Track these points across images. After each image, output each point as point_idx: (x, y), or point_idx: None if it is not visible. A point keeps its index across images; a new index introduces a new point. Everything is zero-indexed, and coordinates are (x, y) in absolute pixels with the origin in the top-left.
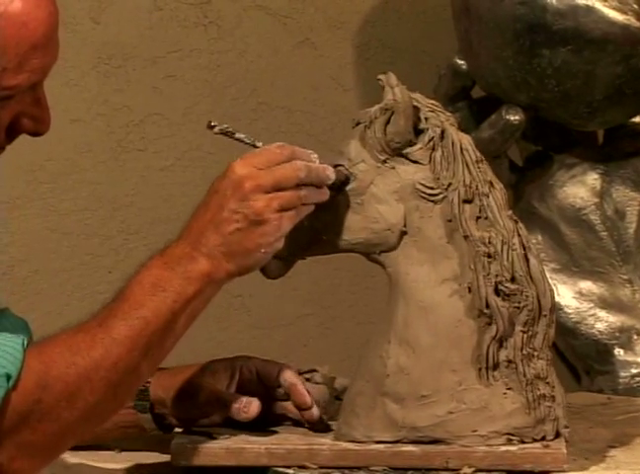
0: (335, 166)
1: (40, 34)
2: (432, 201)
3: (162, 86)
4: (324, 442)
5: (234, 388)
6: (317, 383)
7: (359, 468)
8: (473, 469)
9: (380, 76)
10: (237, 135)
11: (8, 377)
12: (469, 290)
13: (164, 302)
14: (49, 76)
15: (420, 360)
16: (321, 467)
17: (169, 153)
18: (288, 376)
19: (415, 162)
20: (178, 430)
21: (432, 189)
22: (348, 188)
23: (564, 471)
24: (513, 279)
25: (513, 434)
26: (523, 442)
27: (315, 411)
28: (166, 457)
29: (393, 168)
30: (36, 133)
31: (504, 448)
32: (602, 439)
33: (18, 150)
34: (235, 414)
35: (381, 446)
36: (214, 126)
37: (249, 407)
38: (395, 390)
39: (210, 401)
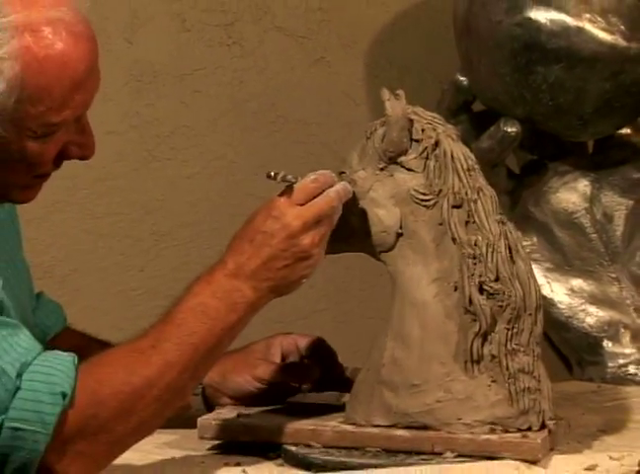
0: (340, 173)
1: (81, 71)
2: (424, 206)
3: (189, 101)
4: (327, 424)
5: (279, 359)
6: None
7: (356, 448)
8: (455, 454)
9: (383, 91)
10: (288, 178)
11: (64, 395)
12: (455, 289)
13: (212, 331)
14: None
15: (412, 353)
16: (324, 446)
17: (195, 162)
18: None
19: (410, 170)
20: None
21: (424, 194)
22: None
23: (538, 460)
24: (497, 280)
25: (495, 424)
26: (507, 432)
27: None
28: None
29: (391, 175)
30: (82, 158)
31: (485, 436)
32: (593, 424)
33: None
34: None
35: (377, 430)
36: (275, 176)
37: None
38: (390, 379)
39: (271, 373)
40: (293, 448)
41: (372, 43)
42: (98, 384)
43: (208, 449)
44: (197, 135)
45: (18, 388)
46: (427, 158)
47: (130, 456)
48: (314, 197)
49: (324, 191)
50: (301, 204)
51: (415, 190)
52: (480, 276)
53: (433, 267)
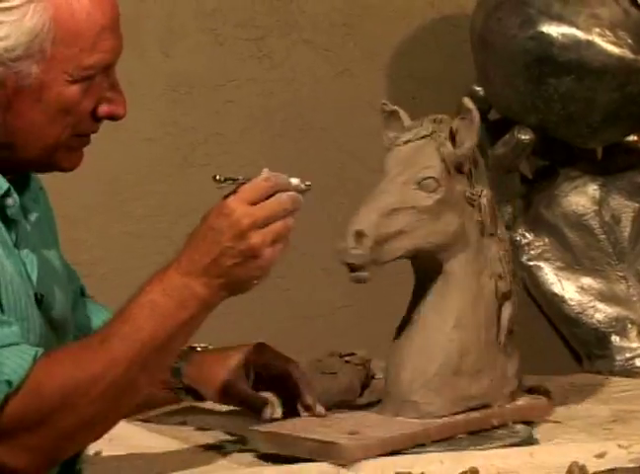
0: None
1: (107, 18)
2: (472, 206)
3: (222, 110)
4: (431, 422)
5: (251, 381)
6: (356, 365)
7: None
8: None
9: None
10: (239, 180)
11: (9, 383)
12: (499, 277)
13: (161, 326)
14: (129, 104)
15: (477, 340)
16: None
17: (228, 167)
18: (294, 376)
19: (462, 173)
20: None
21: (472, 194)
22: (436, 198)
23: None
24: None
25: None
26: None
27: (319, 409)
28: None
29: (456, 179)
30: (115, 117)
31: (521, 403)
32: (603, 415)
33: (99, 165)
34: (262, 416)
35: (459, 417)
36: (220, 180)
37: (272, 410)
38: (461, 368)
39: (238, 399)
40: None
41: (393, 56)
42: (45, 377)
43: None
44: (229, 143)
45: None
46: (470, 163)
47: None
48: (266, 199)
49: (277, 192)
50: (253, 204)
51: (469, 192)
52: (509, 263)
53: (479, 259)
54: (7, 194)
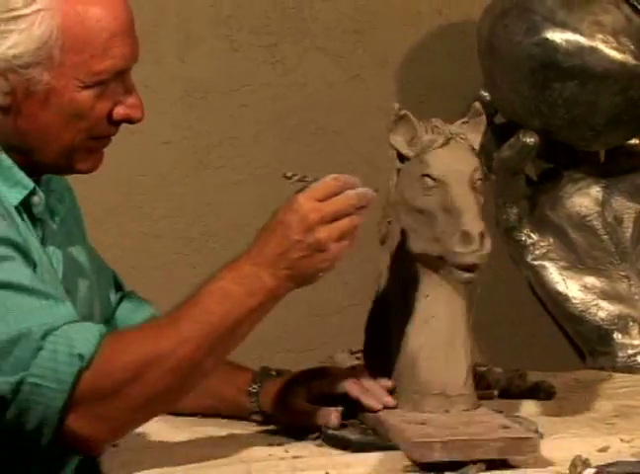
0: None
1: (117, 25)
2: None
3: (236, 114)
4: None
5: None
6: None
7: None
8: None
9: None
10: (307, 179)
11: (81, 357)
12: None
13: (230, 312)
14: (146, 108)
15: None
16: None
17: (242, 170)
18: (351, 392)
19: None
20: None
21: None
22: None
23: None
24: None
25: None
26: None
27: (391, 403)
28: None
29: None
30: (132, 120)
31: None
32: (605, 410)
33: (117, 167)
34: (323, 423)
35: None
36: (291, 177)
37: (332, 417)
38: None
39: (307, 417)
40: (331, 430)
41: (403, 62)
42: (117, 352)
43: (255, 432)
44: (243, 145)
45: (40, 348)
46: None
47: (182, 436)
48: (334, 196)
49: (344, 191)
50: (321, 201)
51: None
52: None
53: None
54: (33, 192)
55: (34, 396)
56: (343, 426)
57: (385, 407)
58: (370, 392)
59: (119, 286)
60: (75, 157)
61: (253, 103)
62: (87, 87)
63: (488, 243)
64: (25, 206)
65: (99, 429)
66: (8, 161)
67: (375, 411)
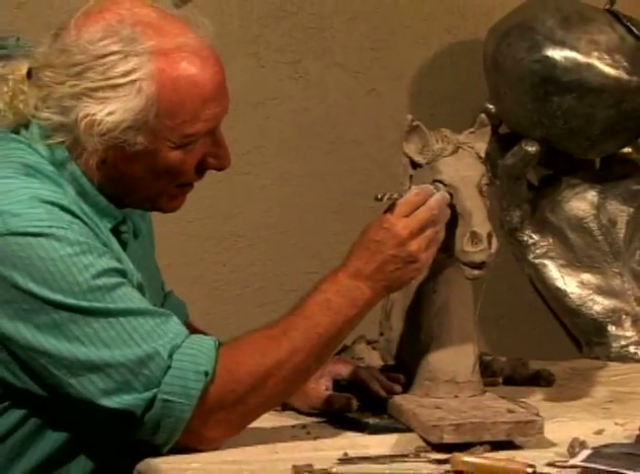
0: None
1: (209, 89)
2: None
3: (263, 125)
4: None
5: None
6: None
7: None
8: None
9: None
10: (394, 197)
11: (206, 374)
12: None
13: (335, 322)
14: None
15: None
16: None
17: (268, 175)
18: (361, 378)
19: None
20: None
21: None
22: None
23: None
24: None
25: None
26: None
27: (397, 388)
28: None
29: None
30: (219, 168)
31: None
32: (601, 396)
33: None
34: (338, 409)
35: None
36: (382, 198)
37: (351, 403)
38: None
39: (326, 402)
40: (349, 414)
41: (415, 77)
42: (236, 365)
43: (279, 416)
44: (269, 154)
45: (169, 367)
46: None
47: None
48: (417, 208)
49: (426, 202)
50: (406, 216)
51: None
52: None
53: None
54: (123, 221)
55: (165, 410)
56: (360, 410)
57: (390, 393)
58: (378, 379)
59: (162, 286)
60: (159, 202)
61: (278, 114)
62: (178, 147)
63: (495, 243)
64: (114, 232)
65: (220, 431)
66: (101, 198)
67: (381, 396)
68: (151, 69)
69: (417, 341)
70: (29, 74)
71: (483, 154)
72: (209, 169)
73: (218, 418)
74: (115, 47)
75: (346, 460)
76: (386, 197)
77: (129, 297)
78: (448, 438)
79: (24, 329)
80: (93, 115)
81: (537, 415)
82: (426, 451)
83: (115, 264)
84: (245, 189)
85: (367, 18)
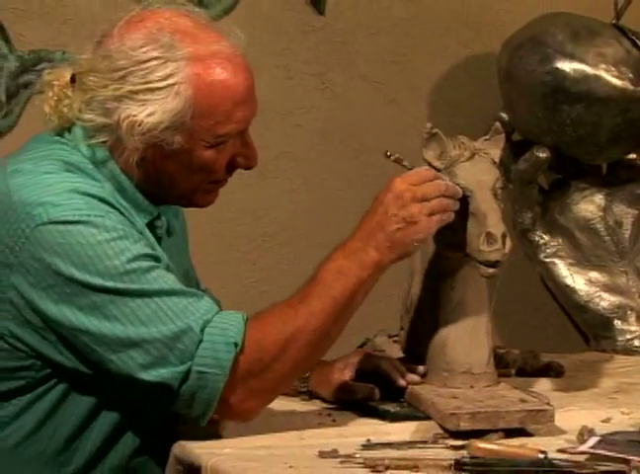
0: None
1: (240, 93)
2: None
3: (291, 132)
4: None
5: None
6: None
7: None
8: None
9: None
10: (404, 163)
11: (236, 345)
12: None
13: (347, 285)
14: None
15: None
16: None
17: (295, 180)
18: (383, 368)
19: None
20: None
21: None
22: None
23: None
24: None
25: None
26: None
27: (415, 379)
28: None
29: None
30: (247, 167)
31: None
32: (607, 387)
33: None
34: (361, 398)
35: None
36: (390, 156)
37: (374, 392)
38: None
39: (348, 392)
40: (372, 403)
41: (433, 88)
42: (261, 334)
43: (305, 405)
44: (296, 159)
45: (201, 340)
46: None
47: None
48: (426, 182)
49: (435, 180)
50: (414, 185)
51: None
52: None
53: None
54: (157, 217)
55: (200, 382)
56: (381, 399)
57: (409, 383)
58: (398, 370)
59: (197, 284)
60: (195, 197)
61: (305, 123)
62: (211, 146)
63: (509, 243)
64: (150, 227)
65: (253, 401)
66: (138, 194)
67: (400, 386)
68: (188, 74)
69: (434, 334)
70: (72, 80)
71: (497, 160)
72: (239, 168)
73: (250, 387)
74: (154, 53)
75: (369, 446)
76: (395, 156)
77: (163, 279)
78: (465, 426)
79: (67, 311)
80: (134, 116)
81: (548, 404)
82: (443, 438)
83: (149, 250)
84: (274, 192)
85: (389, 33)
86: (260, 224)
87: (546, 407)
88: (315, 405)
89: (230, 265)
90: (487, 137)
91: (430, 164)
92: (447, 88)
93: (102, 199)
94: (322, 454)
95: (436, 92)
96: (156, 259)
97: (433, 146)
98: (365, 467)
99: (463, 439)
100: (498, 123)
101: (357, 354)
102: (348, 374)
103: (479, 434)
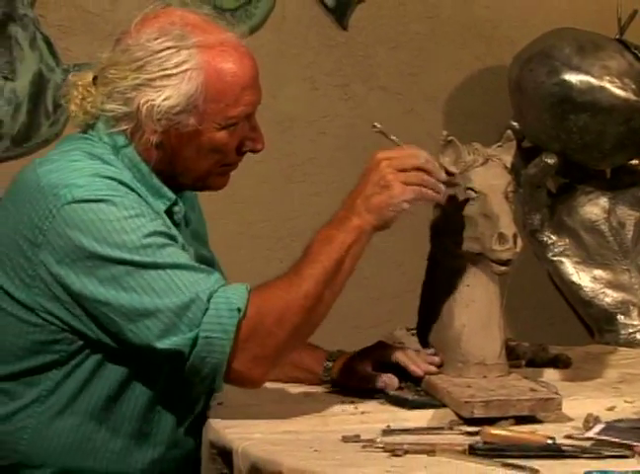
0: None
1: (247, 78)
2: None
3: (316, 139)
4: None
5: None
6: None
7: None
8: None
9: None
10: (390, 137)
11: (239, 310)
12: None
13: (333, 250)
14: None
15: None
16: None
17: (320, 184)
18: (402, 359)
19: None
20: None
21: None
22: (513, 206)
23: None
24: None
25: None
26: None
27: (432, 369)
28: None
29: None
30: (255, 150)
31: None
32: (611, 377)
33: None
34: (381, 387)
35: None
36: (376, 127)
37: (393, 381)
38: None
39: (366, 381)
40: (391, 392)
41: (448, 98)
42: (262, 301)
43: (329, 393)
44: (321, 165)
45: (207, 309)
46: None
47: (269, 396)
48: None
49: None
50: (394, 156)
51: None
52: None
53: None
54: (175, 202)
55: (207, 346)
56: (400, 388)
57: (426, 373)
58: (415, 361)
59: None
60: (209, 180)
61: (329, 130)
62: (222, 128)
63: (520, 242)
64: (168, 214)
65: (258, 368)
66: (156, 180)
67: (417, 376)
68: (199, 61)
69: (450, 328)
70: (94, 80)
71: (509, 165)
72: (248, 150)
73: (254, 352)
74: (168, 44)
75: (388, 432)
76: (380, 128)
77: (177, 255)
78: (479, 413)
79: (89, 284)
80: (152, 100)
81: (556, 393)
82: (458, 424)
83: (164, 229)
84: (300, 195)
85: (407, 47)
86: (287, 225)
87: (554, 396)
88: (339, 393)
89: (259, 263)
90: (500, 144)
91: (446, 169)
92: (462, 98)
93: (121, 182)
94: (345, 439)
95: (451, 102)
96: (171, 237)
97: (448, 152)
98: (385, 451)
99: (477, 426)
100: (509, 131)
101: (376, 345)
102: (369, 365)
103: (491, 421)
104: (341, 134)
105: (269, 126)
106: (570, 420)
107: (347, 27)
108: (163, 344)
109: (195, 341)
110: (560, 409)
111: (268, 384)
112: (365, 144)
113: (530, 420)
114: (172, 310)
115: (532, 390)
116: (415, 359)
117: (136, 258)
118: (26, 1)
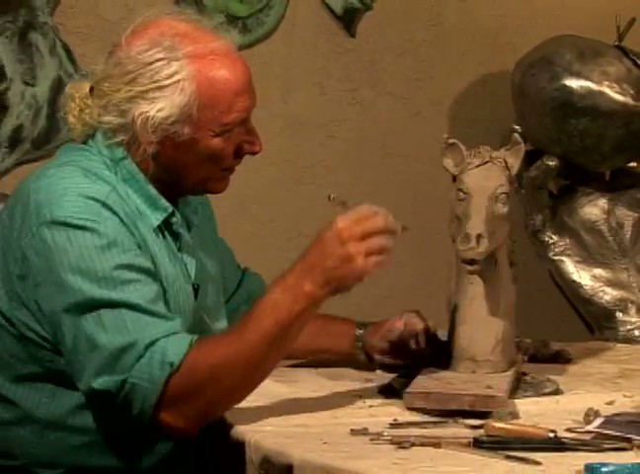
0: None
1: (240, 84)
2: None
3: (325, 143)
4: None
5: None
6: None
7: None
8: None
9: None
10: (347, 204)
11: (171, 365)
12: (513, 264)
13: (280, 317)
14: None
15: (512, 313)
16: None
17: (329, 185)
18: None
19: None
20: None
21: None
22: (507, 208)
23: None
24: None
25: None
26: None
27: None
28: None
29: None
30: (253, 152)
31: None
32: (611, 372)
33: (234, 183)
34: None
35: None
36: (333, 199)
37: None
38: (511, 336)
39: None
40: (397, 387)
41: (453, 102)
42: (199, 357)
43: (338, 387)
44: (330, 167)
45: (141, 356)
46: None
47: (282, 390)
48: (367, 220)
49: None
50: (354, 222)
51: None
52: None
53: (508, 252)
54: (172, 214)
55: (133, 393)
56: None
57: (417, 345)
58: (416, 340)
59: (237, 266)
60: (208, 185)
61: (338, 134)
62: (217, 135)
63: (484, 243)
64: (165, 224)
65: (188, 422)
66: (154, 191)
67: (412, 349)
68: (190, 71)
69: (455, 324)
70: (91, 91)
71: (517, 168)
72: (246, 153)
73: (182, 409)
74: (159, 55)
75: (395, 425)
76: (337, 199)
77: (138, 293)
78: (418, 404)
79: (53, 308)
80: (146, 112)
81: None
82: (463, 418)
83: (138, 261)
84: (310, 196)
85: (413, 53)
86: (296, 225)
87: (496, 394)
88: (347, 386)
89: (269, 261)
90: (508, 147)
91: (448, 171)
92: (466, 103)
93: (104, 204)
94: (353, 432)
95: (455, 106)
96: (144, 271)
97: (450, 155)
98: (393, 444)
99: (481, 420)
100: (516, 135)
101: (408, 315)
102: (395, 335)
103: (482, 414)
104: (349, 138)
105: (280, 130)
106: (571, 414)
107: (355, 34)
108: (96, 382)
109: (122, 384)
110: (502, 407)
111: (278, 383)
112: (373, 147)
113: (533, 414)
114: (110, 350)
115: (488, 387)
116: (417, 339)
117: (96, 290)
118: (46, 10)
